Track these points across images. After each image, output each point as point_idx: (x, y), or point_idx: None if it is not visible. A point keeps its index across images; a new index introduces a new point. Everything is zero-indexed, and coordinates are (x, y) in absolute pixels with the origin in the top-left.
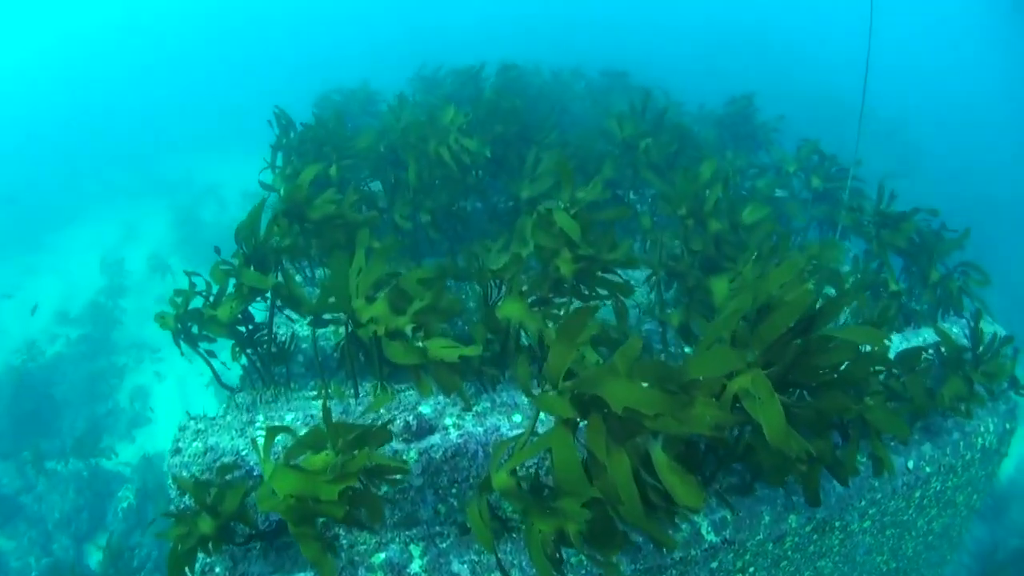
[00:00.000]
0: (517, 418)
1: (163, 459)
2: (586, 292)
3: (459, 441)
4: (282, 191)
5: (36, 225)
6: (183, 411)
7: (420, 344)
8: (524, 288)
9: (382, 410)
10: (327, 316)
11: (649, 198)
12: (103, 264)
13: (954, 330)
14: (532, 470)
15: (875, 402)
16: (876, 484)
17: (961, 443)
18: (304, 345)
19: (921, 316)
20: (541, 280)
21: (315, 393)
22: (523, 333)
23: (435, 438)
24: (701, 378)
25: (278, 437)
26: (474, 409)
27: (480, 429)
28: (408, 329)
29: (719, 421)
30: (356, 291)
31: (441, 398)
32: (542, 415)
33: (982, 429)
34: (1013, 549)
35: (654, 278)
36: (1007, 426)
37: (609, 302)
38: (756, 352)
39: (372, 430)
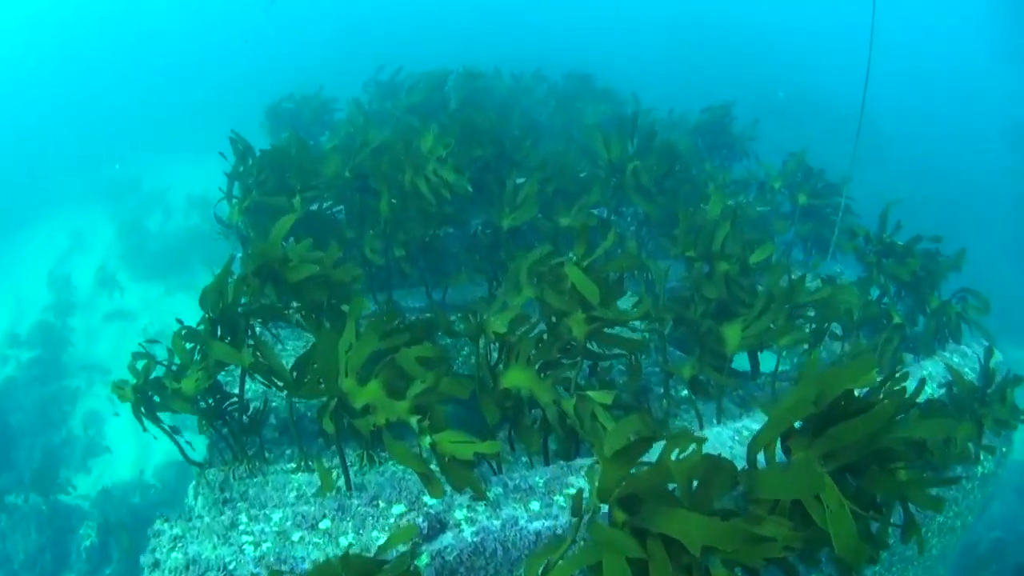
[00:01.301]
0: (535, 506)
1: (122, 491)
2: (598, 351)
3: (475, 540)
4: (250, 247)
5: None
6: (137, 438)
7: (427, 439)
8: (532, 353)
9: (388, 505)
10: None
11: (630, 216)
12: (50, 279)
13: (954, 359)
14: None
15: (910, 476)
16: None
17: (963, 478)
18: (275, 403)
19: (917, 342)
20: (550, 344)
21: (293, 466)
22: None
23: (448, 537)
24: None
25: (266, 527)
26: (487, 494)
27: (496, 523)
28: (413, 421)
29: (790, 543)
30: (345, 368)
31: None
32: (561, 498)
33: (983, 458)
34: (993, 540)
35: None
36: (1003, 449)
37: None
38: (819, 452)
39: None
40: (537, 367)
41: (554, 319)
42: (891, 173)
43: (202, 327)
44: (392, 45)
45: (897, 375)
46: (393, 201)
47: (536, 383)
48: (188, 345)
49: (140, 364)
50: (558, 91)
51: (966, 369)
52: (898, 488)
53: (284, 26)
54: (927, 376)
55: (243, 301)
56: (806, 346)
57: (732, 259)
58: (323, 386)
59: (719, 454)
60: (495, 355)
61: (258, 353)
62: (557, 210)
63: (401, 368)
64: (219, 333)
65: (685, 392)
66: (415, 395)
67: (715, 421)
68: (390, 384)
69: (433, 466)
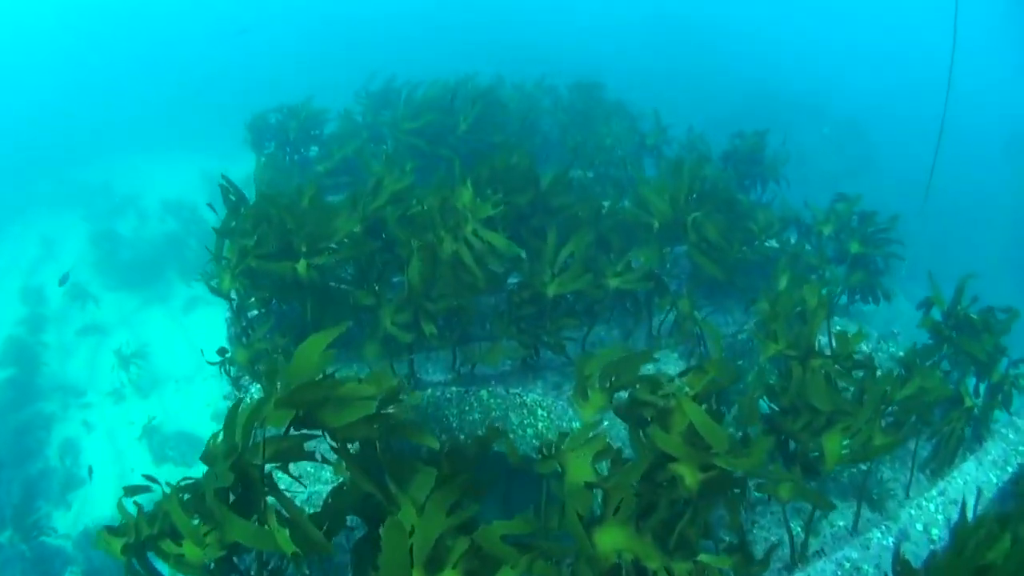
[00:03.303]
0: None
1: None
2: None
3: None
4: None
5: None
6: (115, 466)
7: None
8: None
9: None
10: None
11: (682, 275)
12: (23, 292)
13: (1011, 435)
14: None
15: None
16: None
17: None
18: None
19: (977, 419)
20: (651, 491)
21: None
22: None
23: None
24: None
25: None
26: None
27: None
28: None
29: None
30: (413, 556)
31: None
32: None
33: None
34: None
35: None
36: None
37: None
38: None
39: None
40: (636, 520)
41: (656, 460)
42: (883, 182)
43: (209, 487)
44: (380, 50)
45: None
46: (424, 271)
47: (639, 545)
48: (190, 514)
49: (131, 500)
50: (565, 104)
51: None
52: None
53: (265, 27)
54: (992, 461)
55: (259, 437)
56: None
57: (838, 358)
58: None
59: None
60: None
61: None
62: (600, 264)
63: (484, 552)
64: (232, 499)
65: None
66: None
67: (809, 545)
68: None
69: None
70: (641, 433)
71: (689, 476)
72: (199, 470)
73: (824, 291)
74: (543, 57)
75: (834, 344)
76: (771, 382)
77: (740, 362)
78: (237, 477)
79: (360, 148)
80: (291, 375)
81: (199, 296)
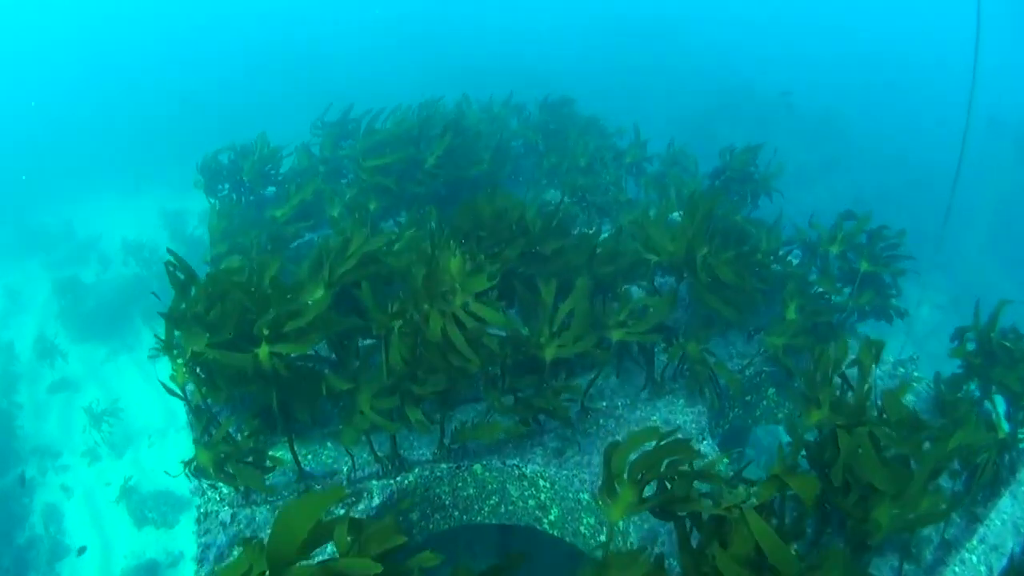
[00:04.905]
0: None
1: None
2: None
3: None
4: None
5: None
6: (98, 533)
7: None
8: None
9: None
10: None
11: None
12: None
13: None
14: None
15: None
16: None
17: None
18: None
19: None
20: None
21: None
22: None
23: None
24: None
25: None
26: None
27: None
28: None
29: None
30: None
31: None
32: None
33: None
34: None
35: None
36: None
37: None
38: None
39: None
40: None
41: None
42: (861, 173)
43: None
44: (340, 76)
45: None
46: (408, 354)
47: None
48: None
49: None
50: (535, 122)
51: None
52: None
53: (211, 59)
54: None
55: None
56: None
57: (889, 422)
58: None
59: None
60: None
61: None
62: (598, 312)
63: None
64: None
65: None
66: None
67: None
68: None
69: None
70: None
71: None
72: (181, 532)
73: (871, 344)
74: (508, 69)
75: (880, 402)
76: (809, 440)
77: (748, 398)
78: None
79: (319, 190)
80: (272, 555)
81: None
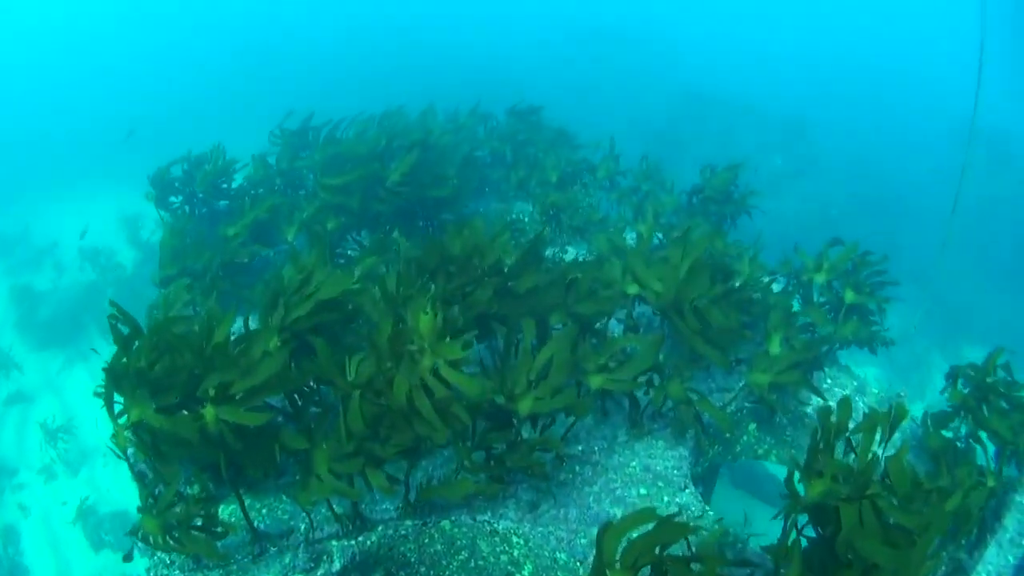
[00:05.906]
0: None
1: None
2: None
3: None
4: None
5: None
6: (54, 559)
7: None
8: None
9: None
10: None
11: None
12: None
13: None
14: None
15: None
16: None
17: None
18: None
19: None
20: None
21: None
22: None
23: None
24: None
25: None
26: None
27: None
28: None
29: None
30: None
31: None
32: None
33: None
34: None
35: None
36: None
37: None
38: None
39: None
40: None
41: None
42: (830, 180)
43: None
44: (303, 82)
45: None
46: (370, 419)
47: None
48: None
49: None
50: (503, 132)
51: None
52: None
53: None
54: (1010, 540)
55: None
56: None
57: (896, 494)
58: None
59: None
60: None
61: None
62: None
63: None
64: None
65: None
66: None
67: None
68: None
69: None
70: None
71: None
72: (138, 556)
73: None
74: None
75: (886, 468)
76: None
77: (728, 435)
78: None
79: (274, 207)
80: None
81: None
